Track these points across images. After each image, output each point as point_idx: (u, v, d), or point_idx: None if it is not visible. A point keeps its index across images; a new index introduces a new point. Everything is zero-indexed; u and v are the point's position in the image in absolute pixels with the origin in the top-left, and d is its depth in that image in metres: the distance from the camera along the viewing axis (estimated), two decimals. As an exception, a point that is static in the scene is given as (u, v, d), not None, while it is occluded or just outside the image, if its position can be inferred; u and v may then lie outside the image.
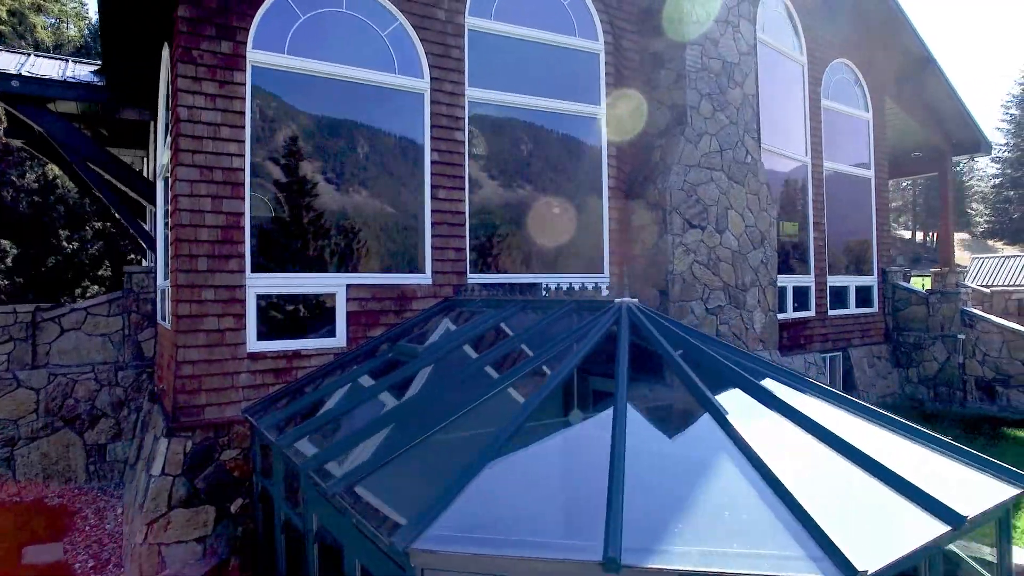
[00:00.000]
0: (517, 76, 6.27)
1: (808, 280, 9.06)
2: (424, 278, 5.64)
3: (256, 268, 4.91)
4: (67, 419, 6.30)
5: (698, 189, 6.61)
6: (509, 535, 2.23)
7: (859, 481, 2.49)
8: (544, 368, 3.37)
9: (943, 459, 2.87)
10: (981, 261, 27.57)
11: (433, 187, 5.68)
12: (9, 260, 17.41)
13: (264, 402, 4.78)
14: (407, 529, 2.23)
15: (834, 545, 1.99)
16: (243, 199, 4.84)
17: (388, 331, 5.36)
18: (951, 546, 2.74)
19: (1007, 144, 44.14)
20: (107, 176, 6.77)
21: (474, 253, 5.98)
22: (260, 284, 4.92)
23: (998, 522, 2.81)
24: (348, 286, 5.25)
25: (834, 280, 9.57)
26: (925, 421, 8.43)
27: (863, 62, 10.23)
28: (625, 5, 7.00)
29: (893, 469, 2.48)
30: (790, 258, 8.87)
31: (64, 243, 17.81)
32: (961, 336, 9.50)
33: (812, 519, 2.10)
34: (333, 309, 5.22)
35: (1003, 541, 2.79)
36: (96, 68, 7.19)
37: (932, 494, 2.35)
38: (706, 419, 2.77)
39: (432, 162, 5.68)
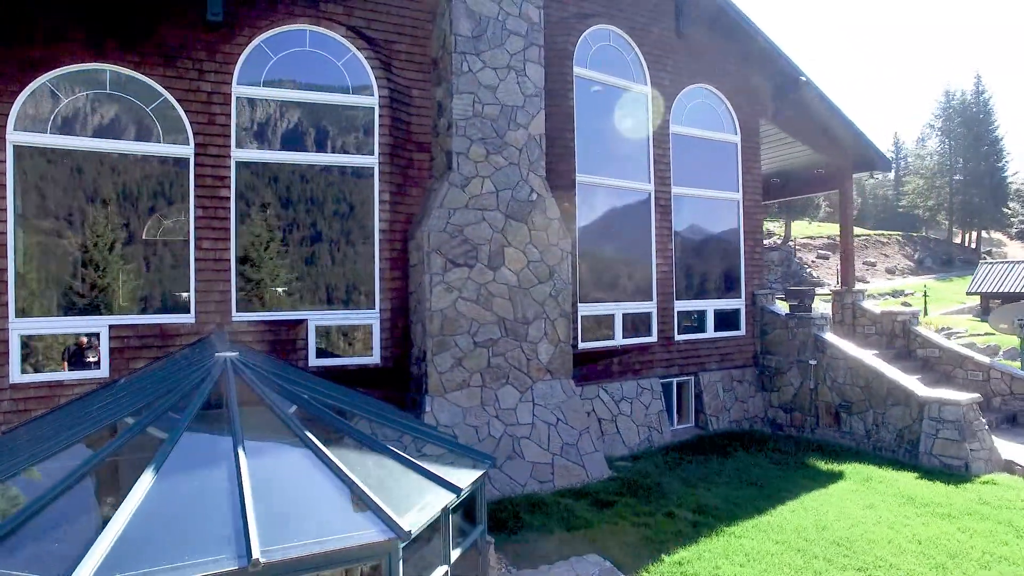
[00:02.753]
0: (291, 134, 7.00)
1: (649, 306, 9.29)
2: (188, 318, 6.45)
3: (21, 313, 5.87)
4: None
5: (466, 230, 7.12)
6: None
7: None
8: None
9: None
10: (990, 266, 26.08)
11: (198, 239, 6.49)
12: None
13: (22, 425, 5.73)
14: None
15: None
16: (5, 257, 5.80)
17: (148, 364, 6.22)
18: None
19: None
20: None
21: (246, 293, 6.75)
22: (24, 327, 5.87)
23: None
24: (110, 326, 6.14)
25: (685, 305, 9.73)
26: (752, 446, 8.53)
27: (729, 86, 10.30)
28: (416, 57, 7.58)
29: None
30: (626, 285, 9.14)
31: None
32: (812, 362, 9.46)
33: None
34: (98, 346, 6.12)
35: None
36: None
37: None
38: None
39: (196, 217, 6.49)
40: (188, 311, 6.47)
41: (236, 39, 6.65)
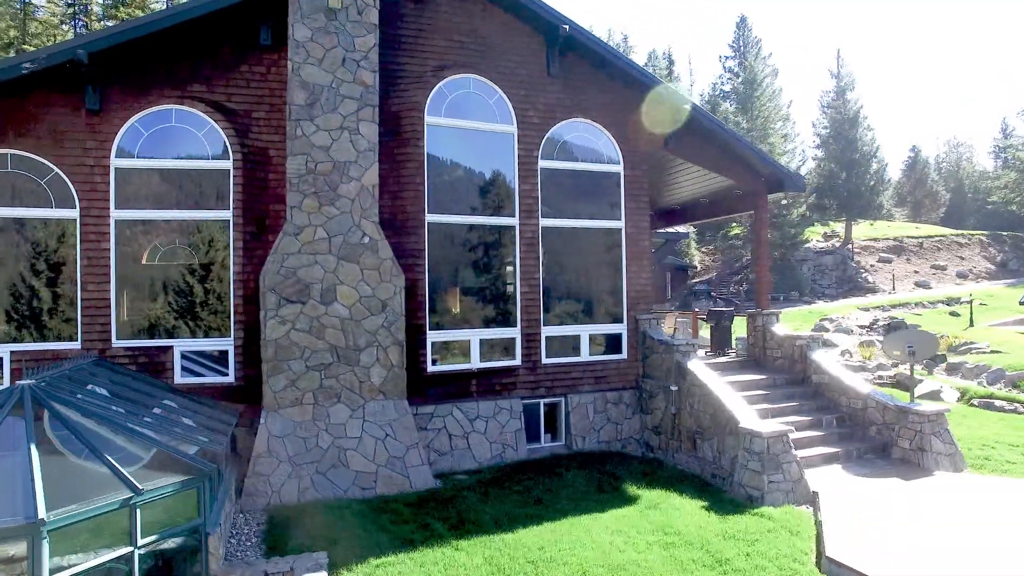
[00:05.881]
0: (161, 195, 8.53)
1: (512, 332, 9.96)
2: (76, 345, 8.16)
3: (-50, 343, 7.82)
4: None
5: (299, 271, 8.29)
6: None
7: None
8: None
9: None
10: (1046, 276, 23.35)
11: (83, 283, 8.17)
12: None
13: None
14: None
15: None
16: (-61, 301, 7.77)
17: (42, 382, 7.97)
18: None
19: None
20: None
21: (124, 324, 8.36)
22: (-48, 353, 7.81)
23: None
24: (12, 352, 7.96)
25: (556, 330, 10.26)
26: (591, 466, 8.97)
27: (610, 119, 10.66)
28: (274, 122, 8.87)
29: None
30: (485, 312, 9.88)
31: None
32: (674, 388, 9.65)
33: None
34: (1, 367, 7.97)
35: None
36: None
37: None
38: None
39: (83, 266, 8.17)
40: (76, 340, 8.18)
41: (113, 121, 8.28)
